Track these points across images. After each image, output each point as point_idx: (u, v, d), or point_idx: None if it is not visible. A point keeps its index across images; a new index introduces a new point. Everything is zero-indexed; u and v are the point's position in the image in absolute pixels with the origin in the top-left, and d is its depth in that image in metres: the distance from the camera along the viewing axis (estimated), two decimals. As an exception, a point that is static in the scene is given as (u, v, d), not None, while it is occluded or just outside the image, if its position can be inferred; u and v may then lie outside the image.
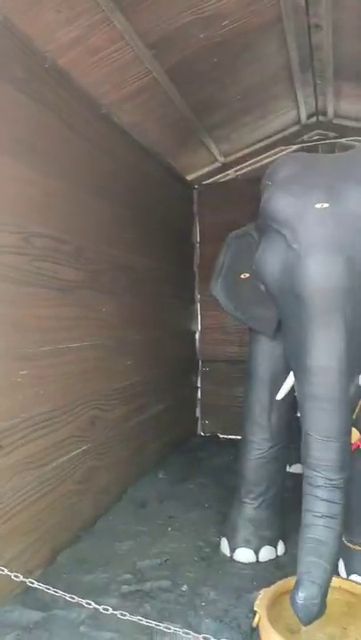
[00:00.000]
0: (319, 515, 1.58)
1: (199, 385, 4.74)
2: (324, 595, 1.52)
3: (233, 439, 4.19)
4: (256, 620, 1.63)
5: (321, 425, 1.63)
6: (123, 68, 2.72)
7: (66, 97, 2.49)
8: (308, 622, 1.50)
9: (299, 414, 2.16)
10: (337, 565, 1.96)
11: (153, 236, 3.64)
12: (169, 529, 2.60)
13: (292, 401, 2.16)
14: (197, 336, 4.70)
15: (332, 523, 1.58)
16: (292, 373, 1.88)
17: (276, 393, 2.32)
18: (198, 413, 4.71)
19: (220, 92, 3.46)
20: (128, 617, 1.52)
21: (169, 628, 1.52)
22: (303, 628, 1.62)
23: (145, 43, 2.60)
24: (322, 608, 1.51)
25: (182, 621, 1.80)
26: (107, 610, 1.61)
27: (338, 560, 1.60)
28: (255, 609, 1.66)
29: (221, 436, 4.51)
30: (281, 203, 1.74)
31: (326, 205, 1.65)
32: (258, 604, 1.67)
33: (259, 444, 2.36)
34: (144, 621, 1.54)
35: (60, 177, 2.44)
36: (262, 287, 1.95)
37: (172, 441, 3.99)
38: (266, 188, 1.90)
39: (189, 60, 2.91)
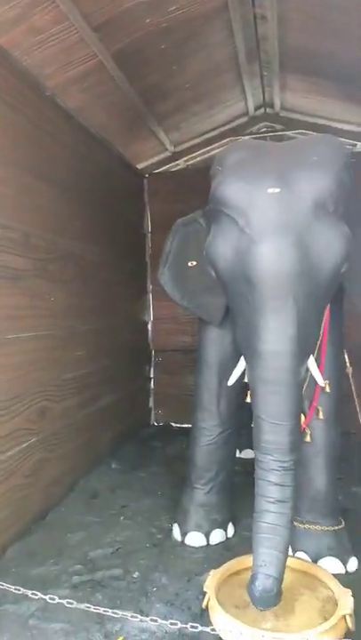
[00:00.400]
0: (272, 500, 1.62)
1: (152, 375, 4.74)
2: (280, 584, 1.58)
3: (186, 428, 4.21)
4: (205, 600, 1.67)
5: (273, 408, 1.66)
6: (68, 49, 2.64)
7: (7, 76, 2.39)
8: (266, 609, 1.57)
9: (248, 400, 2.23)
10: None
11: (103, 225, 3.59)
12: (121, 518, 2.60)
13: (242, 387, 2.20)
14: (150, 326, 4.70)
15: (285, 507, 1.63)
16: (242, 359, 1.90)
17: (226, 380, 2.35)
18: (151, 403, 4.72)
19: (169, 80, 3.44)
20: (75, 605, 1.51)
21: (117, 613, 1.53)
22: (250, 605, 1.68)
23: (90, 25, 2.54)
24: (278, 597, 1.57)
25: (134, 607, 1.81)
26: (53, 599, 1.59)
27: (289, 541, 1.65)
28: (205, 590, 1.70)
29: (175, 425, 4.55)
30: (233, 187, 1.73)
31: (278, 190, 1.66)
32: (207, 584, 1.71)
33: (209, 430, 2.40)
34: (92, 608, 1.53)
35: (2, 161, 2.35)
36: (213, 273, 1.94)
37: (125, 431, 3.99)
38: (216, 173, 1.89)
39: (136, 46, 2.87)
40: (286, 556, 1.63)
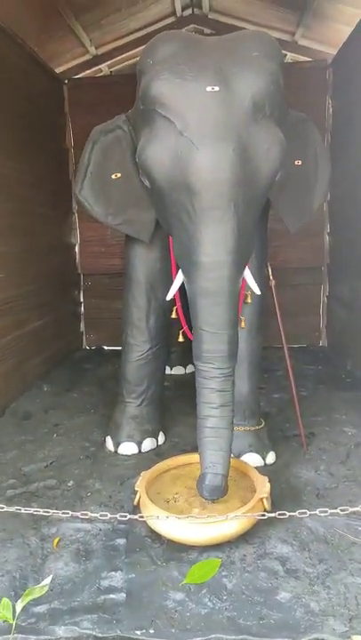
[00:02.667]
0: (215, 405, 1.70)
1: (82, 300, 4.66)
2: (226, 479, 1.70)
3: (117, 350, 4.24)
4: (137, 498, 1.78)
5: (214, 319, 1.67)
6: None
7: None
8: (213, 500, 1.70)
9: (174, 316, 2.25)
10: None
11: (19, 136, 3.27)
12: (54, 435, 2.64)
13: (169, 303, 2.22)
14: (77, 249, 4.53)
15: (226, 410, 1.71)
16: (180, 272, 1.86)
17: (154, 296, 2.37)
18: (82, 328, 4.69)
19: (86, -35, 3.05)
20: (5, 509, 1.54)
21: (48, 512, 1.59)
22: (179, 499, 1.82)
23: None
24: (225, 490, 1.69)
25: (69, 510, 1.89)
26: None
27: (232, 440, 1.77)
28: (136, 489, 1.80)
29: (106, 348, 4.58)
30: (168, 86, 1.59)
31: (217, 89, 1.56)
32: (138, 484, 1.82)
33: (139, 346, 2.43)
34: (22, 511, 1.57)
35: None
36: (146, 182, 1.82)
37: (57, 355, 3.95)
38: (147, 68, 1.71)
39: None
40: (230, 453, 1.74)
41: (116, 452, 2.41)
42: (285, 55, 4.29)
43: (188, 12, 4.19)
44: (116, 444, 2.42)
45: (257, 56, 1.64)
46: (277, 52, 1.76)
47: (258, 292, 1.97)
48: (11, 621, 1.20)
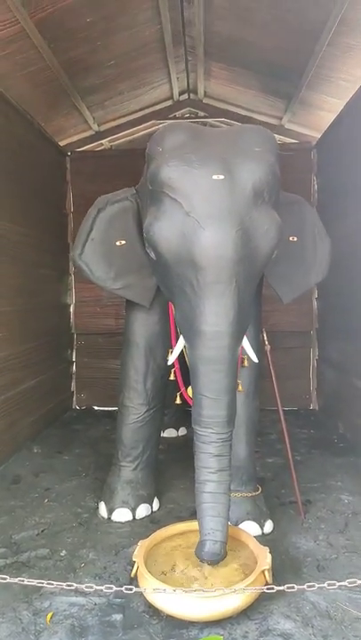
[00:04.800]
0: (213, 470, 1.72)
1: (74, 359, 4.67)
2: (225, 546, 1.71)
3: (109, 411, 4.25)
4: (134, 569, 1.72)
5: (213, 385, 1.74)
6: (-13, 12, 2.49)
7: None
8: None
9: (172, 378, 2.29)
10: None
11: (24, 203, 3.44)
12: (45, 500, 2.56)
13: (166, 367, 2.27)
14: (72, 309, 4.60)
15: (224, 475, 1.74)
16: (181, 338, 1.94)
17: (153, 359, 2.41)
18: (74, 387, 4.66)
19: (93, 55, 3.36)
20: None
21: (42, 583, 1.53)
22: (176, 570, 1.77)
23: (12, -12, 2.41)
24: (224, 556, 1.70)
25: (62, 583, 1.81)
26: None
27: (229, 505, 1.78)
28: (133, 559, 1.75)
29: (97, 408, 4.54)
30: (177, 171, 1.74)
31: (222, 177, 1.72)
32: (135, 554, 1.77)
33: (135, 408, 2.44)
34: (16, 582, 1.51)
35: None
36: (152, 255, 1.93)
37: (47, 415, 3.90)
38: (155, 154, 1.87)
39: (61, 15, 2.77)
40: (228, 518, 1.75)
41: (109, 518, 2.35)
42: (273, 137, 4.66)
43: (185, 96, 4.57)
44: (110, 511, 2.36)
45: (258, 150, 1.82)
46: (274, 146, 1.94)
47: (256, 360, 2.05)
48: None
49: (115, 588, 1.53)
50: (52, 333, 4.05)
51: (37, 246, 3.70)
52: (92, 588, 1.52)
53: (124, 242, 2.17)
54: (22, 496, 2.61)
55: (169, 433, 3.66)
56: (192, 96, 4.56)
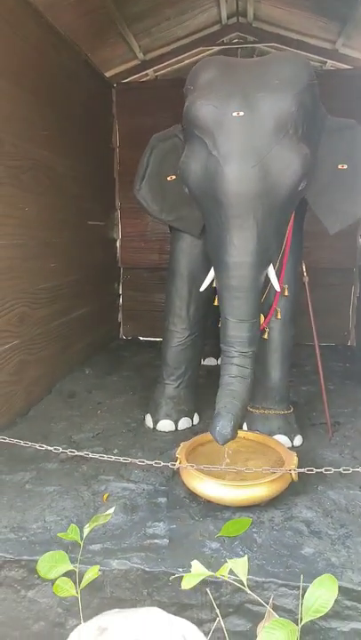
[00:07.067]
0: (234, 375, 1.93)
1: (120, 292, 4.92)
2: (237, 423, 1.89)
3: (152, 341, 4.53)
4: (177, 463, 1.99)
5: (236, 310, 1.94)
6: None
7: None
8: (223, 443, 1.87)
9: (217, 303, 2.46)
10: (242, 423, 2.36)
11: (71, 136, 3.53)
12: (98, 412, 2.89)
13: (209, 295, 2.43)
14: (118, 244, 4.79)
15: (244, 380, 1.93)
16: (212, 268, 2.12)
17: (195, 287, 2.58)
18: (120, 318, 4.94)
19: (141, -21, 3.29)
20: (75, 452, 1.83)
21: (102, 456, 1.84)
22: (213, 469, 2.02)
23: None
24: (234, 433, 1.88)
25: (115, 474, 2.13)
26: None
27: (248, 403, 1.98)
28: (176, 455, 2.02)
29: (142, 338, 4.82)
30: (202, 110, 1.87)
31: (242, 114, 1.81)
32: (178, 451, 2.03)
33: (179, 332, 2.65)
34: (90, 455, 1.80)
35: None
36: (186, 190, 2.08)
37: (96, 342, 4.22)
38: (188, 93, 2.00)
39: None
40: (243, 406, 1.92)
41: (154, 428, 2.64)
42: (326, 62, 4.43)
43: (233, 20, 4.38)
44: (155, 422, 2.64)
45: (278, 83, 1.85)
46: (303, 74, 1.93)
47: (278, 288, 2.17)
48: (79, 543, 1.43)
49: (162, 463, 1.86)
50: (99, 266, 4.26)
51: (84, 180, 3.82)
52: (143, 462, 1.84)
53: (174, 177, 2.30)
54: (78, 407, 2.94)
55: (209, 361, 3.89)
56: (241, 19, 4.37)
